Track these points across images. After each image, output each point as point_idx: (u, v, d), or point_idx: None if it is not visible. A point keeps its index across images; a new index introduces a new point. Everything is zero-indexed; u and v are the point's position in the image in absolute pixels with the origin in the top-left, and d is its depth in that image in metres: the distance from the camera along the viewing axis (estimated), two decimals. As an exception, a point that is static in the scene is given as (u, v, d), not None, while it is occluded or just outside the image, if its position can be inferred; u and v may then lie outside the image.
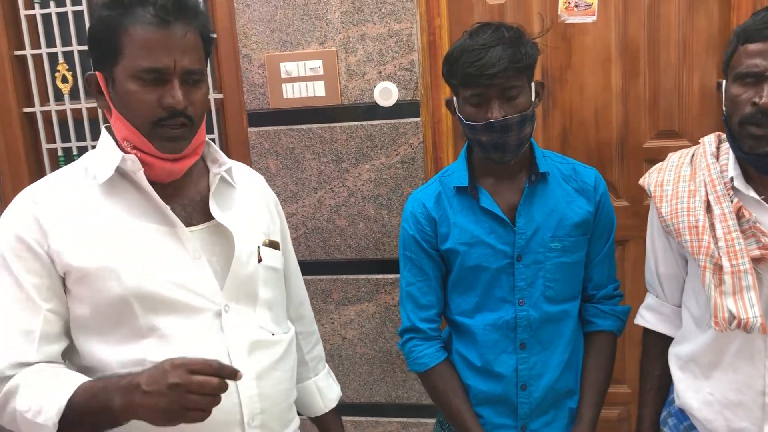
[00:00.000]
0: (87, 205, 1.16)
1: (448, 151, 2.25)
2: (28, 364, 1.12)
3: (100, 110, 2.38)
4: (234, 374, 1.01)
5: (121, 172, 1.18)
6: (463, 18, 2.18)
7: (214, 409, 1.15)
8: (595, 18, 2.12)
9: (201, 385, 0.98)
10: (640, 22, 2.12)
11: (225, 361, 1.17)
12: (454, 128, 2.25)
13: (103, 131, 1.23)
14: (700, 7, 2.07)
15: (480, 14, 2.20)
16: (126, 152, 1.16)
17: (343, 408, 2.37)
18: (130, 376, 1.04)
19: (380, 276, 2.32)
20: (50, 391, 1.07)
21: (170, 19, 1.12)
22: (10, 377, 1.10)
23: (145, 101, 1.12)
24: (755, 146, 1.23)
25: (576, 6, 2.11)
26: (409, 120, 2.21)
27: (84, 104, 2.43)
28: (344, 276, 2.35)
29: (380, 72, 2.19)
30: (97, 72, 1.17)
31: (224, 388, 1.00)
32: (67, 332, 1.17)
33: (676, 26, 2.10)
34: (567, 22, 2.13)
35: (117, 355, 1.14)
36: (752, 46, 1.23)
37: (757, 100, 1.21)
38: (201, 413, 1.00)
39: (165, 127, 1.14)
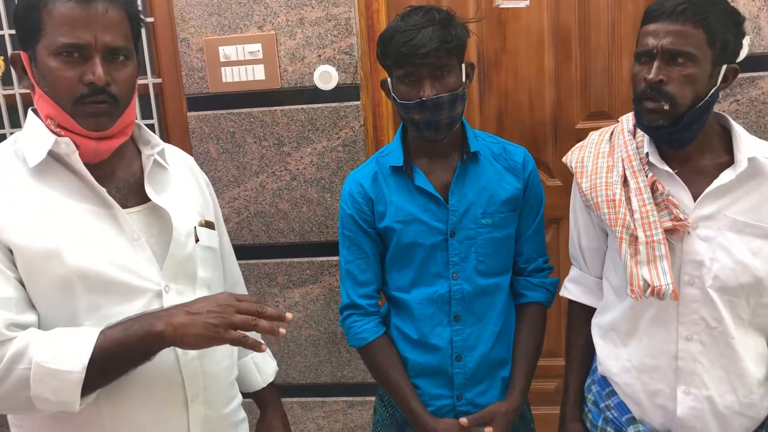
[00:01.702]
0: (20, 187, 1.15)
1: (388, 134, 2.29)
2: (18, 326, 1.09)
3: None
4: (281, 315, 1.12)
5: (53, 155, 1.17)
6: (400, 2, 2.21)
7: (157, 388, 1.18)
8: (527, 3, 2.18)
9: (248, 306, 1.10)
10: (571, 6, 2.20)
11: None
12: (394, 112, 2.29)
13: (30, 113, 1.21)
14: (627, -8, 2.16)
15: (417, -2, 2.23)
16: (54, 133, 1.15)
17: (290, 389, 2.43)
18: (165, 309, 1.14)
19: (324, 258, 2.35)
20: (73, 337, 1.08)
21: None
22: (10, 339, 1.07)
23: (67, 78, 1.11)
24: (651, 119, 1.30)
25: (510, -9, 2.17)
26: (350, 103, 2.24)
27: (17, 89, 2.37)
28: (288, 259, 2.37)
29: (320, 56, 2.21)
30: (21, 51, 1.16)
31: (267, 312, 1.11)
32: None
33: (605, 11, 2.19)
34: (501, 6, 2.19)
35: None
36: (649, 27, 1.30)
37: (647, 76, 1.28)
38: (240, 336, 1.08)
39: (87, 104, 1.13)
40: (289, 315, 1.14)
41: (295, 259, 2.37)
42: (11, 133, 2.38)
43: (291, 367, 2.43)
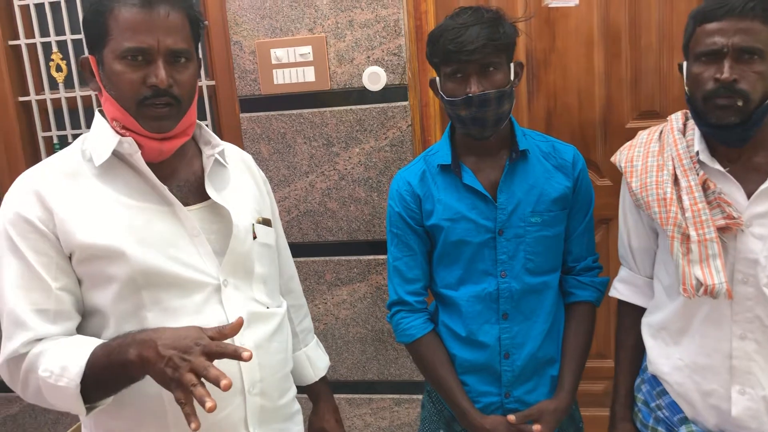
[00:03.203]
0: (86, 186, 1.20)
1: (435, 134, 2.31)
2: (51, 338, 1.15)
3: (94, 99, 2.44)
4: (236, 354, 1.04)
5: (117, 155, 1.22)
6: (449, 3, 2.23)
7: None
8: (577, 2, 2.17)
9: (199, 367, 1.01)
10: (622, 5, 2.17)
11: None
12: (441, 111, 2.30)
13: (97, 114, 1.27)
14: (679, -10, 2.13)
15: (465, -1, 2.25)
16: (119, 134, 1.21)
17: (337, 386, 2.46)
18: (147, 331, 1.10)
19: (371, 257, 2.38)
20: (69, 354, 1.11)
21: (153, 0, 1.15)
22: (25, 354, 1.14)
23: (131, 80, 1.16)
24: (723, 116, 1.29)
25: (559, -10, 2.16)
26: (398, 104, 2.26)
27: (78, 92, 2.47)
28: (336, 257, 2.41)
29: (368, 57, 2.24)
30: (89, 55, 1.22)
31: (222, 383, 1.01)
32: (79, 309, 1.21)
33: (656, 9, 2.16)
34: (550, 6, 2.18)
35: (119, 325, 1.19)
36: (710, 26, 1.28)
37: (718, 75, 1.26)
38: (185, 396, 1.01)
39: (150, 107, 1.17)
40: (246, 353, 1.04)
41: (343, 257, 2.40)
42: (73, 135, 2.50)
43: (338, 364, 2.47)
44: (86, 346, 1.12)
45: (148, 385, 1.16)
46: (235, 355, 1.03)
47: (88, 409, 1.13)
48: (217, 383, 0.98)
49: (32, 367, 1.13)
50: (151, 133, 1.20)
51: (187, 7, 1.22)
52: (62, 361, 1.10)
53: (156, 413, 1.20)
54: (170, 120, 1.20)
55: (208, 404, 0.97)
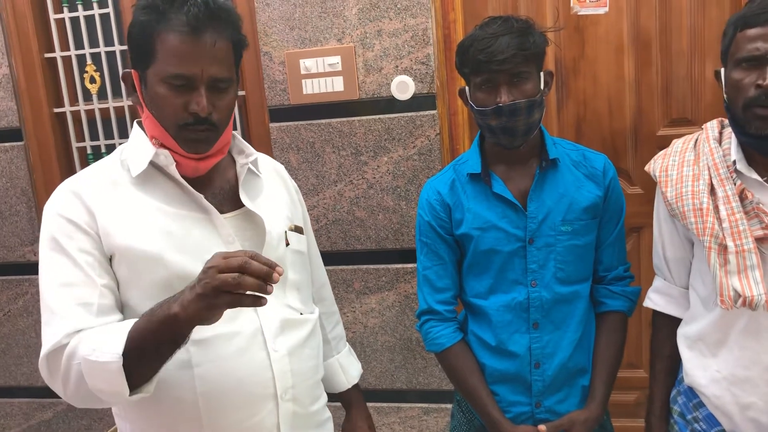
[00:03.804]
0: (125, 193, 1.23)
1: (464, 143, 2.30)
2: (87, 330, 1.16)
3: (127, 109, 2.49)
4: (272, 265, 1.01)
5: (154, 165, 1.25)
6: (477, 12, 2.23)
7: (251, 383, 1.21)
8: (606, 9, 2.16)
9: (227, 263, 0.99)
10: (652, 11, 2.16)
11: (259, 339, 1.24)
12: (469, 120, 2.30)
13: (135, 126, 1.30)
14: (711, -5, 2.10)
15: (494, 8, 2.24)
16: (155, 145, 1.23)
17: (365, 395, 2.43)
18: (183, 290, 1.06)
19: (400, 265, 2.39)
20: (111, 330, 1.11)
21: (201, 27, 1.16)
22: (66, 344, 1.13)
23: (173, 105, 1.18)
24: (762, 127, 1.26)
25: (588, -3, 2.15)
26: (426, 113, 2.27)
27: (111, 104, 2.52)
28: (365, 266, 2.42)
29: (397, 66, 2.25)
30: (132, 70, 1.24)
31: (251, 267, 0.99)
32: (120, 308, 1.22)
33: (687, 15, 2.14)
34: (579, 13, 2.17)
35: None
36: (751, 32, 1.26)
37: (761, 82, 1.24)
38: (232, 297, 1.00)
39: (190, 131, 1.20)
40: (280, 268, 1.01)
41: (371, 266, 2.41)
42: (106, 145, 2.55)
43: (367, 373, 2.47)
44: (127, 322, 1.12)
45: (183, 390, 1.18)
46: (266, 272, 1.00)
47: (132, 392, 1.11)
48: (267, 275, 0.98)
49: (73, 352, 1.12)
50: (189, 153, 1.22)
51: (233, 33, 1.23)
52: (104, 336, 1.10)
53: (190, 419, 1.21)
54: (208, 143, 1.23)
55: (270, 288, 0.98)
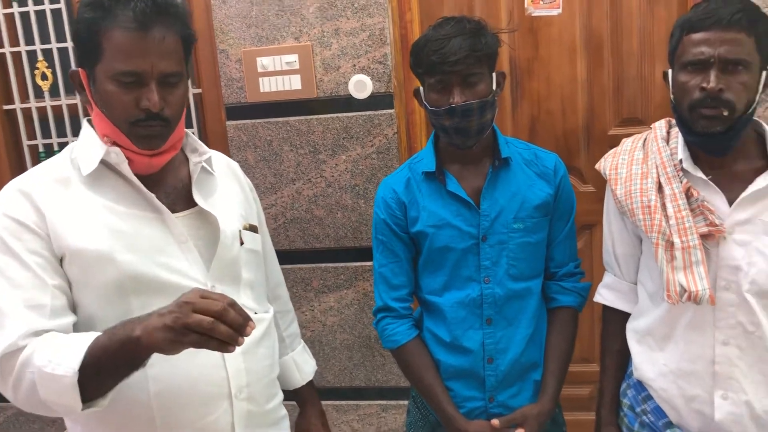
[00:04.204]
0: (76, 193, 1.21)
1: (421, 141, 2.33)
2: (46, 332, 1.13)
3: (80, 106, 2.44)
4: (246, 317, 1.01)
5: (105, 164, 1.23)
6: (434, 12, 2.25)
7: (205, 383, 1.21)
8: (560, 10, 2.20)
9: (206, 305, 0.98)
10: (604, 13, 2.21)
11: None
12: (426, 119, 2.31)
13: (85, 124, 1.28)
14: (659, -2, 2.17)
15: (450, 8, 2.27)
16: (106, 143, 1.21)
17: (324, 393, 2.45)
18: (151, 312, 1.05)
19: (358, 263, 2.40)
20: (69, 342, 1.09)
21: (149, 22, 1.15)
22: (23, 348, 1.11)
23: (123, 102, 1.17)
24: (708, 125, 1.31)
25: (542, -1, 2.19)
26: (384, 112, 2.28)
27: (64, 101, 2.47)
28: (323, 264, 2.42)
29: (354, 65, 2.26)
30: (80, 69, 1.21)
31: (228, 316, 0.99)
32: (73, 309, 1.20)
33: (637, 17, 2.20)
34: (533, 15, 2.21)
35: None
36: (696, 36, 1.30)
37: (705, 85, 1.28)
38: (200, 338, 0.99)
39: (142, 127, 1.18)
40: (253, 324, 1.02)
41: (330, 264, 2.41)
42: (59, 143, 2.50)
43: (326, 371, 2.47)
44: (87, 336, 1.10)
45: (136, 390, 1.16)
46: (240, 324, 1.00)
47: (85, 406, 1.09)
48: (241, 327, 0.99)
49: (28, 360, 1.10)
50: (142, 150, 1.21)
51: (182, 28, 1.21)
52: (62, 349, 1.08)
53: (144, 419, 1.20)
54: (161, 138, 1.22)
55: (242, 339, 0.99)
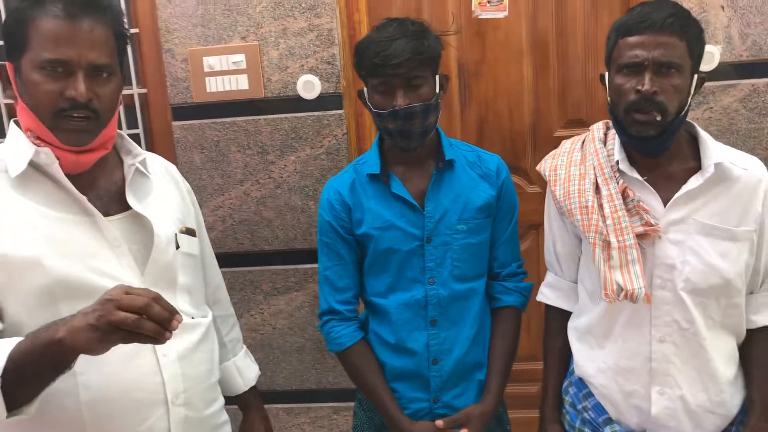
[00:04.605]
0: (2, 197, 1.17)
1: (371, 142, 2.31)
2: None
3: (4, 107, 2.36)
4: (172, 311, 1.00)
5: (34, 165, 1.19)
6: (382, 13, 2.24)
7: (138, 389, 1.18)
8: (506, 13, 2.22)
9: (130, 300, 0.97)
10: (549, 16, 2.24)
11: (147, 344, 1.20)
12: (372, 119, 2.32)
13: (12, 124, 1.25)
14: (603, 3, 2.21)
15: (398, 9, 2.27)
16: (35, 144, 1.18)
17: (275, 396, 2.44)
18: (75, 313, 1.03)
19: (309, 265, 2.38)
20: None
21: (78, 12, 1.14)
22: None
23: (48, 92, 1.14)
24: (642, 130, 1.34)
25: (488, 2, 2.21)
26: (333, 112, 2.27)
27: (1, 100, 2.40)
28: (273, 267, 2.40)
29: (302, 65, 2.25)
30: (7, 62, 1.19)
31: (152, 311, 0.98)
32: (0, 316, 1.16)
33: (581, 20, 2.23)
34: (480, 17, 2.23)
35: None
36: (631, 39, 1.33)
37: (639, 87, 1.32)
38: (126, 334, 0.97)
39: (67, 119, 1.15)
40: (179, 317, 1.01)
41: (280, 267, 2.39)
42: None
43: (276, 374, 2.45)
44: (10, 341, 1.06)
45: (66, 398, 1.13)
46: (166, 318, 0.99)
47: (10, 414, 1.06)
48: (167, 322, 0.98)
49: None
50: (67, 146, 1.18)
51: (113, 21, 1.20)
52: None
53: (74, 429, 1.17)
54: (88, 133, 1.19)
55: (168, 334, 0.97)
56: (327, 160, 2.30)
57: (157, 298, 1.00)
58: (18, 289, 1.15)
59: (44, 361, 1.02)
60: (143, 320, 0.97)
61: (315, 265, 2.36)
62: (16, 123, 1.24)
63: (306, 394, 2.48)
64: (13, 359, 1.02)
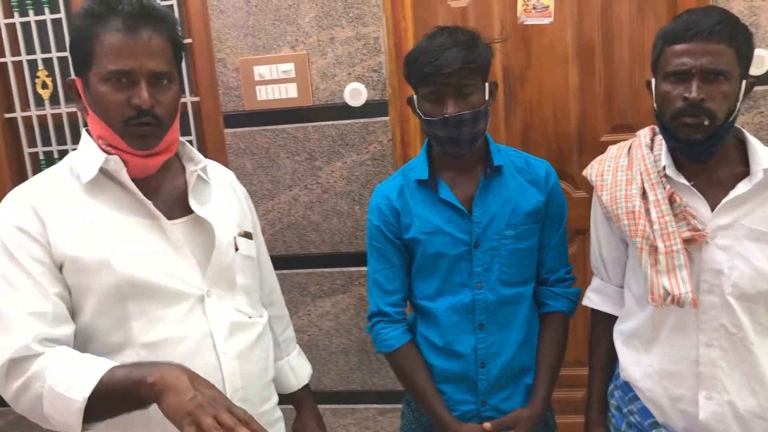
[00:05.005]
0: (75, 202, 1.25)
1: (415, 148, 2.36)
2: (51, 341, 1.16)
3: (80, 115, 2.47)
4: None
5: (103, 171, 1.27)
6: (428, 21, 2.29)
7: None
8: (551, 19, 2.23)
9: (224, 420, 1.01)
10: (594, 22, 2.24)
11: (208, 342, 1.27)
12: (421, 127, 2.35)
13: (84, 133, 1.32)
14: (649, 7, 2.20)
15: (443, 17, 2.30)
16: (105, 151, 1.25)
17: (321, 397, 2.49)
18: (176, 364, 1.10)
19: (354, 268, 2.43)
20: (84, 368, 1.12)
21: (136, 25, 1.20)
22: (36, 355, 1.14)
23: (115, 102, 1.21)
24: (690, 133, 1.34)
25: (534, 8, 2.23)
26: (378, 119, 2.31)
27: (64, 109, 2.51)
28: (319, 269, 2.45)
29: (350, 74, 2.29)
30: (75, 77, 1.27)
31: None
32: (72, 315, 1.23)
33: (628, 26, 2.23)
34: (525, 23, 2.25)
35: (105, 334, 1.23)
36: (678, 47, 1.34)
37: (687, 95, 1.32)
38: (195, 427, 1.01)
39: (134, 126, 1.22)
40: None
41: (327, 269, 2.44)
42: (59, 151, 2.53)
43: (323, 375, 2.50)
44: (102, 364, 1.13)
45: None
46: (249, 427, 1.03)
47: (82, 429, 1.13)
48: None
49: (39, 374, 1.13)
50: (136, 150, 1.25)
51: (169, 31, 1.26)
52: (75, 374, 1.11)
53: (140, 423, 1.22)
54: (153, 138, 1.25)
55: None
56: (372, 165, 2.34)
57: (247, 422, 1.04)
58: (91, 289, 1.22)
59: (130, 394, 1.09)
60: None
61: (360, 269, 2.42)
62: (88, 132, 1.31)
63: (351, 395, 2.52)
64: (105, 386, 1.09)
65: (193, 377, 1.07)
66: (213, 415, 1.01)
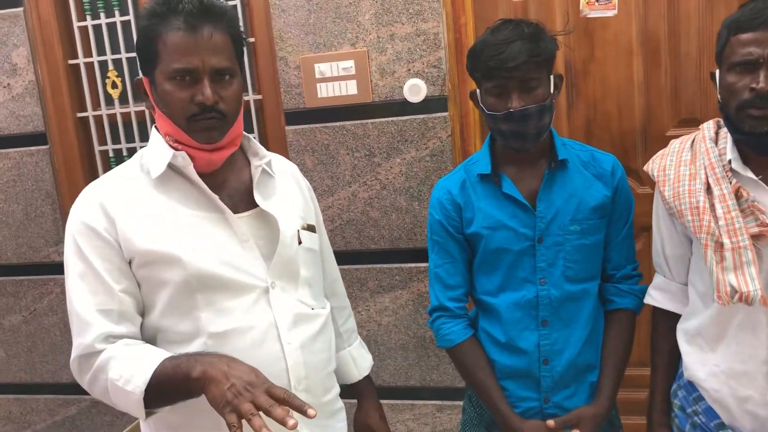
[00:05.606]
0: (145, 197, 1.30)
1: (475, 144, 2.34)
2: (114, 337, 1.25)
3: (147, 113, 2.56)
4: (302, 409, 1.07)
5: (172, 167, 1.31)
6: (488, 15, 2.27)
7: (266, 374, 1.24)
8: (615, 12, 2.19)
9: (261, 403, 1.04)
10: (660, 14, 2.19)
11: (273, 332, 1.31)
12: (480, 122, 2.34)
13: (153, 131, 1.37)
14: (718, -1, 2.13)
15: (504, 11, 2.28)
16: (173, 148, 1.29)
17: (380, 392, 2.46)
18: (217, 355, 1.17)
19: (413, 264, 2.43)
20: (139, 361, 1.20)
21: (197, 23, 1.23)
22: (99, 351, 1.23)
23: (180, 99, 1.25)
24: (756, 126, 1.30)
25: (597, 1, 2.19)
26: (438, 115, 2.31)
27: (132, 108, 2.59)
28: (378, 265, 2.46)
29: (409, 70, 2.30)
30: (143, 77, 1.32)
31: (271, 413, 1.04)
32: (140, 311, 1.30)
33: (695, 17, 2.16)
34: (589, 16, 2.21)
35: (174, 325, 1.28)
36: (744, 36, 1.29)
37: (754, 85, 1.28)
38: (238, 424, 1.04)
39: (199, 121, 1.26)
40: (312, 411, 1.06)
41: (385, 265, 2.46)
42: (128, 148, 2.62)
43: (381, 370, 2.52)
44: (155, 356, 1.20)
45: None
46: (300, 409, 1.07)
47: (147, 414, 1.21)
48: (284, 423, 1.02)
49: (103, 368, 1.22)
50: (201, 144, 1.28)
51: (229, 27, 1.29)
52: (132, 368, 1.19)
53: (209, 409, 1.26)
54: (218, 131, 1.29)
55: (291, 422, 1.01)
56: (431, 161, 2.34)
57: (287, 399, 1.07)
58: (160, 282, 1.27)
59: (179, 387, 1.16)
60: (257, 417, 1.03)
61: (419, 265, 2.42)
62: (157, 129, 1.36)
63: (410, 391, 2.53)
64: (157, 378, 1.17)
65: (232, 366, 1.12)
66: (251, 400, 1.05)
